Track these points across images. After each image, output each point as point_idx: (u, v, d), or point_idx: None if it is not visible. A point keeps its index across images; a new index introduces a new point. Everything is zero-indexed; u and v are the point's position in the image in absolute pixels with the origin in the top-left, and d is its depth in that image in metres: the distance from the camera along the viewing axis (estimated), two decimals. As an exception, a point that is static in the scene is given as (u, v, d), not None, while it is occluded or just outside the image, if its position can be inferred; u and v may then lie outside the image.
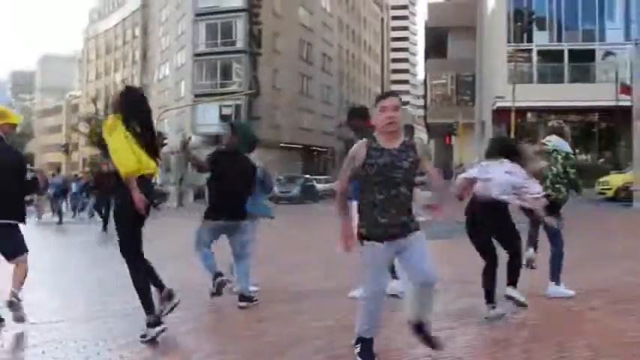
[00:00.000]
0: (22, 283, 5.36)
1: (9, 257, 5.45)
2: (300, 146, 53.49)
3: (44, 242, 13.76)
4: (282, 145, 48.13)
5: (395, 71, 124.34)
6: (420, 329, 4.15)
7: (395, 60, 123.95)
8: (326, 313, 5.71)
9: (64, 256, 11.76)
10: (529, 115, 34.26)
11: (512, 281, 5.52)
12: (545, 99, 31.99)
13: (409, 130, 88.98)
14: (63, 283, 7.94)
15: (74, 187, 24.73)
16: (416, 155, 4.06)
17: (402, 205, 4.01)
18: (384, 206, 3.99)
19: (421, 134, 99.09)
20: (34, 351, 4.62)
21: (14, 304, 5.23)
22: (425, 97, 50.91)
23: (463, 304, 5.97)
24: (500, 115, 32.95)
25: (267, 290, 6.60)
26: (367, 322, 4.08)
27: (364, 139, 4.13)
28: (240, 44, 49.36)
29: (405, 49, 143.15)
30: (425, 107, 51.01)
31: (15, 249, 5.43)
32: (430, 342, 4.15)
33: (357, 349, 4.10)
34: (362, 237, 4.05)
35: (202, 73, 50.49)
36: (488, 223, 5.47)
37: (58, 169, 58.00)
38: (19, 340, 4.99)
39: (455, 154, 41.82)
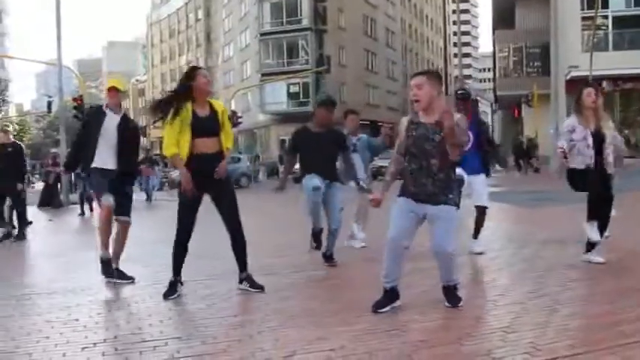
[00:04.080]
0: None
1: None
2: (367, 122, 53.64)
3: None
4: (350, 121, 48.31)
5: (457, 44, 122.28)
6: (445, 290, 4.57)
7: (456, 33, 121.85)
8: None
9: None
10: (604, 83, 33.44)
11: None
12: (622, 66, 31.19)
13: (474, 103, 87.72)
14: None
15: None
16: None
17: (433, 176, 4.35)
18: (415, 175, 4.40)
19: (485, 107, 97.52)
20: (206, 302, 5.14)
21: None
22: (494, 69, 50.02)
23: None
24: (575, 84, 32.22)
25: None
26: (385, 268, 4.50)
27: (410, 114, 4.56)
28: (305, 22, 49.63)
29: (467, 22, 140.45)
30: (493, 79, 50.16)
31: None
32: (451, 300, 4.52)
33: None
34: (398, 195, 4.52)
35: (269, 52, 51.06)
36: None
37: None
38: (189, 294, 5.50)
39: (526, 127, 41.15)
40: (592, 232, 5.97)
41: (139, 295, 5.58)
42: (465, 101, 6.71)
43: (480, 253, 6.78)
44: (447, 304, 4.52)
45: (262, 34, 51.27)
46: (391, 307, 4.46)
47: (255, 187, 28.70)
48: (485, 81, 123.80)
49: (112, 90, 6.29)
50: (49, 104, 38.34)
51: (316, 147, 6.40)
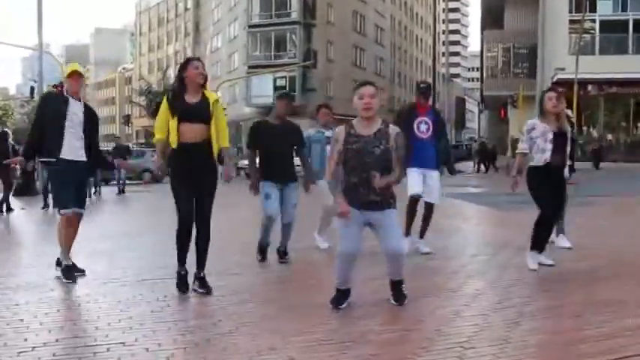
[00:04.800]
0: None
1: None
2: (352, 118, 53.44)
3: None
4: (335, 116, 48.14)
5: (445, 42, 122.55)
6: (393, 285, 4.65)
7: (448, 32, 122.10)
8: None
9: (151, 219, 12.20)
10: (590, 87, 33.52)
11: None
12: (608, 70, 31.24)
13: (460, 102, 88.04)
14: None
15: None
16: (388, 143, 4.39)
17: (373, 187, 4.34)
18: (357, 188, 4.38)
19: (473, 107, 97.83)
20: (142, 307, 4.92)
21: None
22: (481, 69, 50.06)
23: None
24: (561, 87, 32.31)
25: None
26: (339, 277, 4.56)
27: (344, 125, 4.49)
28: (294, 15, 49.36)
29: (457, 21, 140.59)
30: (481, 79, 50.20)
31: None
32: (399, 297, 4.61)
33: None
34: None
35: (257, 45, 50.72)
36: None
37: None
38: (125, 295, 5.29)
39: (511, 128, 41.20)
40: (531, 261, 5.93)
41: (93, 294, 5.34)
42: (427, 94, 6.96)
43: (428, 253, 6.76)
44: (392, 301, 4.58)
45: (251, 26, 50.92)
46: (347, 302, 4.58)
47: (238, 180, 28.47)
48: (473, 80, 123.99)
49: (75, 75, 5.97)
50: (32, 89, 37.81)
51: (274, 139, 6.39)
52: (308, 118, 18.73)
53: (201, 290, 5.16)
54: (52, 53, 33.26)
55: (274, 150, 6.38)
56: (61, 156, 5.82)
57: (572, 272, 5.86)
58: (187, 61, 5.30)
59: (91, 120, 6.05)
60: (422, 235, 6.99)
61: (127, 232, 9.92)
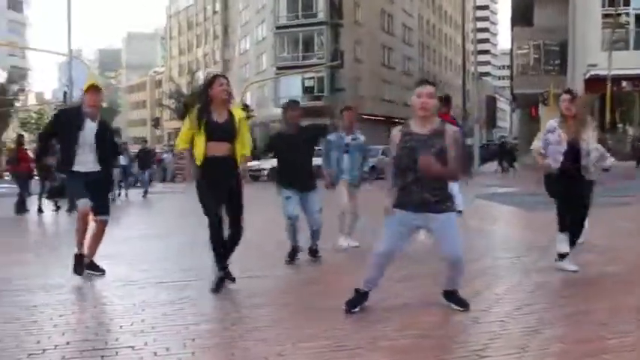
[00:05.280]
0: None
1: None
2: (382, 118, 53.26)
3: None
4: (364, 116, 47.99)
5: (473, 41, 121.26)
6: (449, 295, 4.54)
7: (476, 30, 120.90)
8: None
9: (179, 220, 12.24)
10: (624, 83, 32.76)
11: None
12: (643, 66, 30.49)
13: (491, 101, 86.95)
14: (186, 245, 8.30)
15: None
16: (444, 143, 4.27)
17: (429, 186, 4.24)
18: (412, 187, 4.27)
19: (504, 105, 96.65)
20: (156, 310, 4.83)
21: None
22: (511, 67, 49.40)
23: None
24: (593, 84, 31.63)
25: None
26: (369, 275, 4.47)
27: (400, 127, 4.42)
28: (321, 16, 49.26)
29: (486, 19, 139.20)
30: (511, 77, 49.54)
31: None
32: (460, 302, 4.49)
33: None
34: (394, 206, 4.39)
35: (284, 46, 50.76)
36: None
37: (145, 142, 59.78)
38: (142, 298, 5.21)
39: (542, 126, 40.58)
40: (561, 243, 5.83)
41: (110, 296, 5.37)
42: (448, 102, 7.01)
43: None
44: (455, 307, 4.46)
45: (278, 28, 50.96)
46: (360, 307, 4.48)
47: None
48: (504, 78, 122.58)
49: (92, 89, 6.10)
50: (65, 94, 38.54)
51: (291, 149, 6.49)
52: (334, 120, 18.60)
53: (215, 291, 5.28)
54: (81, 58, 33.74)
55: (291, 160, 6.50)
56: (73, 169, 6.00)
57: (598, 276, 5.67)
58: (214, 78, 5.45)
59: (103, 136, 6.15)
60: None
61: (152, 234, 9.94)
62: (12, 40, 55.35)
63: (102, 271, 6.14)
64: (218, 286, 5.30)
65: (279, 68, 49.29)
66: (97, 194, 6.10)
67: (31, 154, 15.25)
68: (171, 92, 58.55)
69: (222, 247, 5.37)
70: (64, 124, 6.14)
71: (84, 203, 5.97)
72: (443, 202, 4.30)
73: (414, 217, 4.30)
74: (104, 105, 79.30)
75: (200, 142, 5.31)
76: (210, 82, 5.39)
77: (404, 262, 5.54)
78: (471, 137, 37.87)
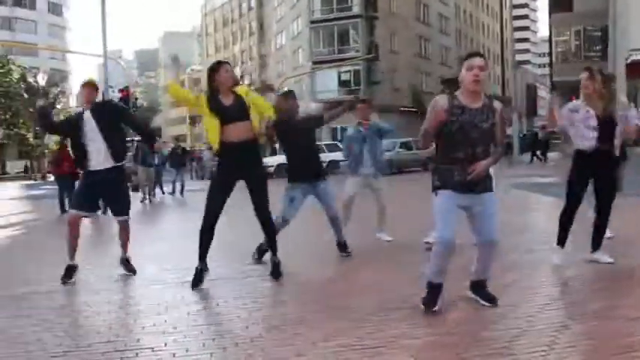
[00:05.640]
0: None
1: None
2: (419, 110, 52.83)
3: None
4: (402, 109, 47.64)
5: (514, 29, 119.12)
6: (476, 286, 4.43)
7: (514, 17, 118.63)
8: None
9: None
10: (669, 68, 31.72)
11: None
12: (688, 49, 29.47)
13: (531, 89, 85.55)
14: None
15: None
16: (495, 118, 4.13)
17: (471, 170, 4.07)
18: (460, 165, 4.08)
19: (545, 94, 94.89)
20: (194, 307, 4.83)
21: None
22: (550, 54, 48.33)
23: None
24: (635, 68, 30.72)
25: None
26: (435, 266, 4.25)
27: (446, 95, 4.18)
28: (356, 9, 49.03)
29: (526, 5, 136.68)
30: (550, 65, 48.50)
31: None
32: (487, 297, 4.35)
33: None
34: (437, 187, 4.19)
35: (319, 40, 50.69)
36: None
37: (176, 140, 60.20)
38: (166, 298, 5.18)
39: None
40: (554, 256, 5.74)
41: (137, 296, 5.41)
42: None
43: None
44: (483, 302, 4.32)
45: (313, 22, 50.91)
46: (440, 303, 4.30)
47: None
48: (544, 66, 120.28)
49: (88, 85, 6.11)
50: (103, 95, 39.21)
51: (297, 135, 6.35)
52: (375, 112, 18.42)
53: (274, 276, 5.56)
54: (120, 59, 34.27)
55: (300, 145, 6.37)
56: (89, 169, 5.99)
57: (631, 270, 5.42)
58: (219, 65, 5.46)
59: (109, 122, 6.00)
60: None
61: (182, 234, 9.97)
62: (52, 44, 56.57)
63: (133, 271, 6.20)
64: (194, 279, 5.38)
65: (314, 63, 49.26)
66: (108, 195, 6.17)
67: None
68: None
69: (209, 242, 5.47)
70: (71, 126, 6.16)
71: (74, 213, 6.07)
72: (485, 181, 4.18)
73: (458, 198, 4.13)
74: (144, 104, 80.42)
75: (213, 127, 5.32)
76: (215, 69, 5.40)
77: (425, 256, 5.40)
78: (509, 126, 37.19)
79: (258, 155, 5.56)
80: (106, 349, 3.84)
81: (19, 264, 7.52)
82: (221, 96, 5.38)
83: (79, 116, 6.04)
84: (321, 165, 6.65)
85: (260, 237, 6.19)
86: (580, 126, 5.49)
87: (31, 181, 46.12)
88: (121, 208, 6.20)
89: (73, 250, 6.06)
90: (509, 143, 33.59)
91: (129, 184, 17.39)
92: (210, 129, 5.38)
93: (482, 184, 4.15)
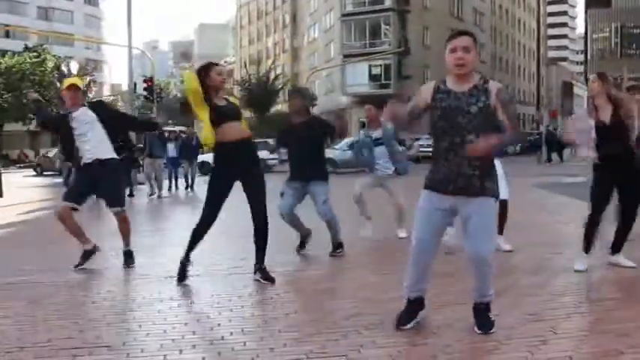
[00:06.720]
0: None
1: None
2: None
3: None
4: (431, 104, 47.09)
5: (552, 25, 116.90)
6: (476, 310, 3.78)
7: (551, 13, 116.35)
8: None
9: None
10: None
11: None
12: None
13: (567, 87, 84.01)
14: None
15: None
16: (488, 100, 3.50)
17: (468, 157, 3.48)
18: (446, 157, 3.56)
19: (582, 92, 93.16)
20: (170, 304, 4.66)
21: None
22: (585, 51, 47.30)
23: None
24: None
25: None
26: (409, 276, 3.80)
27: (434, 81, 3.69)
28: (388, 2, 48.65)
29: (564, 1, 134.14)
30: (585, 62, 47.47)
31: None
32: (483, 323, 3.71)
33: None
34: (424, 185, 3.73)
35: (351, 34, 50.40)
36: None
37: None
38: (155, 292, 5.03)
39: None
40: (578, 262, 5.44)
41: (150, 290, 5.15)
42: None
43: (509, 251, 6.32)
44: (476, 329, 3.67)
45: (344, 15, 50.63)
46: (415, 322, 3.80)
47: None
48: (581, 64, 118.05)
49: (71, 87, 6.07)
50: (135, 85, 39.54)
51: (297, 138, 6.36)
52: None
53: (265, 282, 5.22)
54: (157, 50, 34.53)
55: (294, 152, 6.46)
56: (83, 162, 6.01)
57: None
58: (209, 66, 5.25)
59: (108, 118, 6.11)
60: (501, 232, 6.39)
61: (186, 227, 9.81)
62: (88, 34, 57.28)
63: (130, 264, 6.16)
64: (179, 273, 5.32)
65: (345, 56, 49.03)
66: (101, 186, 6.10)
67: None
68: (239, 81, 59.12)
69: (199, 241, 5.34)
70: (59, 125, 6.26)
71: (62, 204, 6.08)
72: (480, 181, 3.53)
73: (443, 200, 3.60)
74: (178, 95, 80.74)
75: (206, 125, 5.14)
76: (207, 69, 5.18)
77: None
78: (541, 125, 36.49)
79: (255, 154, 5.42)
80: (115, 345, 3.66)
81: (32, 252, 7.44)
82: (213, 96, 5.21)
83: (64, 116, 6.11)
84: (315, 167, 6.42)
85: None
86: (581, 135, 5.40)
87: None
88: (115, 200, 6.16)
89: (81, 236, 6.13)
90: (534, 142, 32.95)
91: (138, 174, 16.98)
92: (204, 126, 5.19)
93: (475, 186, 3.52)
